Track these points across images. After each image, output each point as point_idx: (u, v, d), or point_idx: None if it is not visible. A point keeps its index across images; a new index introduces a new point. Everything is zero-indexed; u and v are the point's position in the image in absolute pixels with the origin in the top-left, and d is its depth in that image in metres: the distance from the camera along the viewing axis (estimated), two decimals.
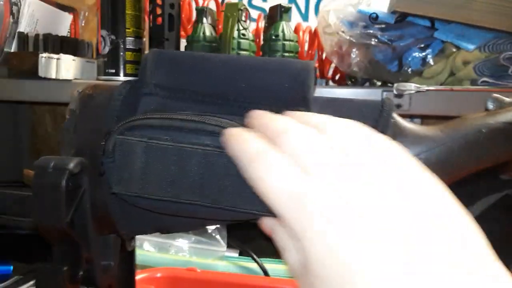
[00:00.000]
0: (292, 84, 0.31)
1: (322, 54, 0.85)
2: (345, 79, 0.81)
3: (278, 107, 0.31)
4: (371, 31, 0.62)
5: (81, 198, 0.33)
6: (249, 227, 0.78)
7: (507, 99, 0.35)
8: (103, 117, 0.34)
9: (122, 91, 0.34)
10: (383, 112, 0.32)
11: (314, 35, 0.86)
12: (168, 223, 0.34)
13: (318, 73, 0.84)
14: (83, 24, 1.06)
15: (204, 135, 0.30)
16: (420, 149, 0.32)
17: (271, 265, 0.63)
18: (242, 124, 0.30)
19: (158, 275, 0.51)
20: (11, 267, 0.71)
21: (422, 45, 0.63)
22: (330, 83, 0.86)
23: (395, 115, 0.33)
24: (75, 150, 0.34)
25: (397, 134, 0.32)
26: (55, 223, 0.31)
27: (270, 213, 0.29)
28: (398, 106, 0.58)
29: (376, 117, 0.32)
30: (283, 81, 0.31)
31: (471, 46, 0.61)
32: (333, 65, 0.90)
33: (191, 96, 0.32)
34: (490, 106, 0.35)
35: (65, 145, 0.35)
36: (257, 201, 0.29)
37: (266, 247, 0.70)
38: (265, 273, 0.61)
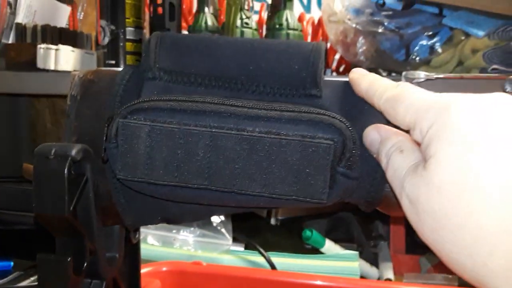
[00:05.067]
0: (302, 66, 0.30)
1: (326, 44, 0.84)
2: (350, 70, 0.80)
3: (287, 90, 0.30)
4: (378, 19, 0.61)
5: (84, 186, 0.32)
6: (255, 221, 0.76)
7: None
8: (106, 102, 0.32)
9: (125, 76, 0.33)
10: None
11: (317, 26, 0.85)
12: (175, 212, 0.33)
13: None
14: (81, 17, 1.04)
15: (210, 116, 0.29)
16: None
17: (278, 259, 0.62)
18: (250, 106, 0.29)
19: (164, 269, 0.50)
20: (11, 263, 0.70)
21: (430, 33, 0.62)
22: (334, 74, 0.85)
23: None
24: (76, 137, 0.33)
25: None
26: (57, 213, 0.30)
27: (285, 195, 0.28)
28: None
29: None
30: (292, 63, 0.30)
31: (481, 33, 0.60)
32: (337, 57, 0.88)
33: (197, 80, 0.31)
34: (508, 88, 0.34)
35: (66, 132, 0.34)
36: (273, 184, 0.28)
37: (272, 241, 0.69)
38: (272, 266, 0.59)
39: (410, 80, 0.57)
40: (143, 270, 0.47)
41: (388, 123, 0.28)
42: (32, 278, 0.67)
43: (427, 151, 0.23)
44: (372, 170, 0.30)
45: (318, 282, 0.49)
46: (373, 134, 0.28)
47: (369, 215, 0.83)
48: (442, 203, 0.21)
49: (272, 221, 0.74)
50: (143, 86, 0.32)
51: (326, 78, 0.32)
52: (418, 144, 0.25)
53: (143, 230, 0.63)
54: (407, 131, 0.26)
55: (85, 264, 0.33)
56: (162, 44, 0.32)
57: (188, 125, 0.29)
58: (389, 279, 0.65)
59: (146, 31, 0.77)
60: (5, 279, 0.66)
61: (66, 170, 0.30)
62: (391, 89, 0.27)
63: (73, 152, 0.30)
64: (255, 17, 0.77)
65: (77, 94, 0.34)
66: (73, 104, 0.34)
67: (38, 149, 0.30)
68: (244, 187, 0.28)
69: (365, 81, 0.29)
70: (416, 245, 0.74)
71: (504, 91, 0.34)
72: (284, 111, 0.29)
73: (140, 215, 0.34)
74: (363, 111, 0.30)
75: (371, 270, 0.68)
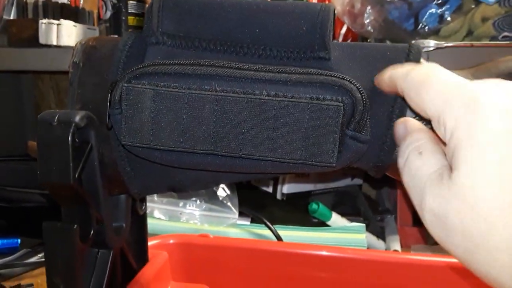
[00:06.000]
0: (310, 27, 0.29)
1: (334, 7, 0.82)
2: (357, 42, 0.78)
3: (294, 53, 0.29)
4: None
5: (88, 154, 0.31)
6: (261, 196, 0.76)
7: None
8: (108, 69, 0.32)
9: (127, 41, 0.32)
10: (410, 56, 0.30)
11: None
12: (181, 179, 0.33)
13: None
14: None
15: (216, 80, 0.28)
16: None
17: (284, 232, 0.62)
18: (257, 69, 0.28)
19: (171, 241, 0.50)
20: (19, 240, 0.70)
21: (440, 1, 0.60)
22: None
23: (422, 60, 0.31)
24: (80, 105, 0.32)
25: None
26: (62, 181, 0.30)
27: (293, 160, 0.28)
28: None
29: (403, 61, 0.30)
30: (300, 24, 0.29)
31: None
32: (343, 31, 0.87)
33: (201, 44, 0.30)
34: None
35: (70, 101, 0.33)
36: (281, 148, 0.27)
37: (278, 215, 0.69)
38: (279, 239, 0.59)
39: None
40: (150, 243, 0.47)
41: None
42: (39, 255, 0.67)
43: (454, 158, 0.21)
44: (382, 133, 0.29)
45: (324, 253, 0.49)
46: (401, 128, 0.26)
47: (376, 187, 0.82)
48: (478, 222, 0.19)
49: (278, 196, 0.73)
50: (146, 51, 0.31)
51: (335, 41, 0.31)
52: (443, 141, 0.22)
53: (149, 204, 0.63)
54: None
55: (92, 232, 0.32)
56: (165, 7, 0.31)
57: (193, 89, 0.28)
58: (396, 251, 0.65)
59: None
60: (13, 256, 0.67)
61: (70, 136, 0.29)
62: (416, 68, 0.25)
63: (77, 118, 0.30)
64: None
65: (80, 61, 0.33)
66: (75, 71, 0.33)
67: (41, 116, 0.30)
68: (251, 152, 0.28)
69: (387, 70, 0.28)
70: None
71: None
72: (291, 73, 0.28)
73: (146, 183, 0.33)
74: (374, 75, 0.30)
75: (378, 243, 0.68)
